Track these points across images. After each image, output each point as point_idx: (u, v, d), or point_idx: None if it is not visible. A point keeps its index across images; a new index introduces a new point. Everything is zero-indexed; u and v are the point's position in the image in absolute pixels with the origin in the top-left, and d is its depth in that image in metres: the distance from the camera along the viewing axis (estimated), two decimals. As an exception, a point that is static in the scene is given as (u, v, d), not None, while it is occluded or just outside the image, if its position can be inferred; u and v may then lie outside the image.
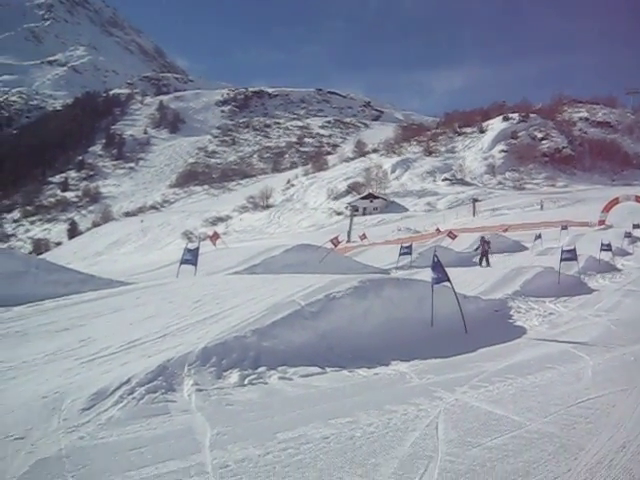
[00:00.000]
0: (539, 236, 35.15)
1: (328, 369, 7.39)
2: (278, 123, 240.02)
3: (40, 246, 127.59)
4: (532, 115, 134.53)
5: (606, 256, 25.13)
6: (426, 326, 9.81)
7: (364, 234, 48.38)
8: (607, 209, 51.39)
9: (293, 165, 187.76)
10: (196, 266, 16.42)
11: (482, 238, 25.42)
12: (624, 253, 30.87)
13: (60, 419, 5.11)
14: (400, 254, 25.09)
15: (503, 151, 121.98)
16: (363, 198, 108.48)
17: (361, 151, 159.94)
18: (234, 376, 6.69)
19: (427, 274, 10.85)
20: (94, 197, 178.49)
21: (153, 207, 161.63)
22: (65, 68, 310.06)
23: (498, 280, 16.45)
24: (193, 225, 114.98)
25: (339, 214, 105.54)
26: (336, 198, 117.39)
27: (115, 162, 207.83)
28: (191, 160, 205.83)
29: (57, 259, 29.12)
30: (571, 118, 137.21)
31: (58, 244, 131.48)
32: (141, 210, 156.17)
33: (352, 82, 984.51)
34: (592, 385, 6.70)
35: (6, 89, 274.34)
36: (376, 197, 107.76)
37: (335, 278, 11.01)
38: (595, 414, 5.59)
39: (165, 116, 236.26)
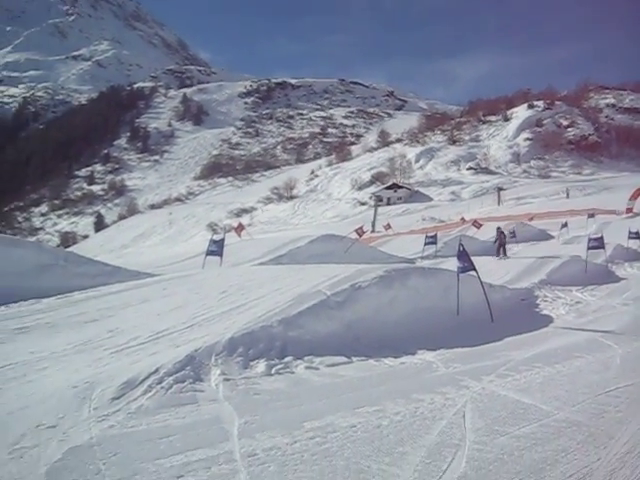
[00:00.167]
0: (565, 224, 34.67)
1: (354, 358, 7.42)
2: (301, 114, 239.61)
3: (67, 239, 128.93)
4: (557, 102, 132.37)
5: (634, 244, 24.72)
6: (452, 315, 9.79)
7: (388, 224, 48.10)
8: (635, 197, 50.29)
9: (317, 156, 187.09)
10: (222, 257, 16.55)
11: (498, 229, 25.03)
12: (653, 241, 30.31)
13: (90, 408, 5.20)
14: (425, 244, 25.04)
15: (528, 139, 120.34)
16: (387, 188, 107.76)
17: (385, 141, 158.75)
18: (261, 366, 6.74)
19: (452, 263, 10.83)
20: (120, 190, 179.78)
21: (178, 199, 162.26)
22: (90, 63, 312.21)
23: (524, 269, 16.36)
24: (218, 217, 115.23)
25: (363, 204, 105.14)
26: (360, 188, 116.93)
27: (140, 155, 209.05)
28: (215, 152, 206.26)
29: (84, 252, 29.45)
30: (597, 105, 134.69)
31: (85, 237, 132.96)
32: (166, 202, 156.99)
33: (375, 72, 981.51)
34: (621, 374, 6.63)
35: (32, 84, 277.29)
36: (400, 187, 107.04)
37: (360, 268, 11.02)
38: (624, 403, 5.54)
39: (189, 108, 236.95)
